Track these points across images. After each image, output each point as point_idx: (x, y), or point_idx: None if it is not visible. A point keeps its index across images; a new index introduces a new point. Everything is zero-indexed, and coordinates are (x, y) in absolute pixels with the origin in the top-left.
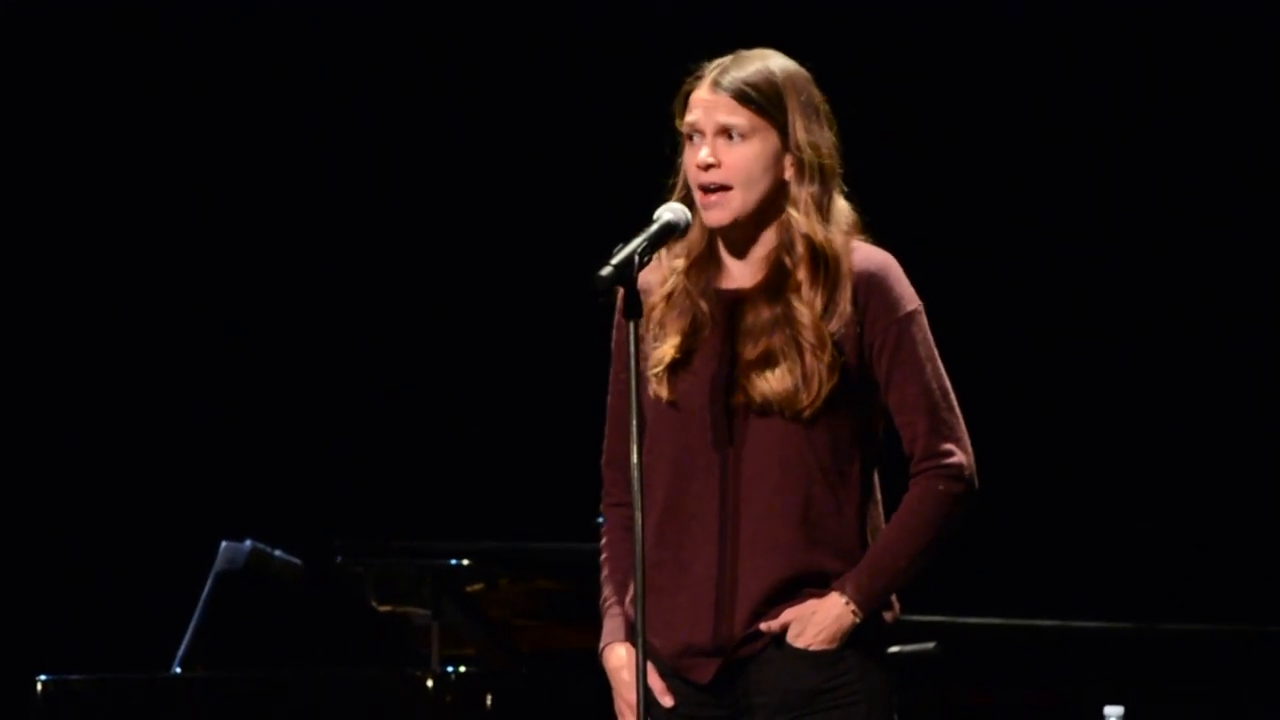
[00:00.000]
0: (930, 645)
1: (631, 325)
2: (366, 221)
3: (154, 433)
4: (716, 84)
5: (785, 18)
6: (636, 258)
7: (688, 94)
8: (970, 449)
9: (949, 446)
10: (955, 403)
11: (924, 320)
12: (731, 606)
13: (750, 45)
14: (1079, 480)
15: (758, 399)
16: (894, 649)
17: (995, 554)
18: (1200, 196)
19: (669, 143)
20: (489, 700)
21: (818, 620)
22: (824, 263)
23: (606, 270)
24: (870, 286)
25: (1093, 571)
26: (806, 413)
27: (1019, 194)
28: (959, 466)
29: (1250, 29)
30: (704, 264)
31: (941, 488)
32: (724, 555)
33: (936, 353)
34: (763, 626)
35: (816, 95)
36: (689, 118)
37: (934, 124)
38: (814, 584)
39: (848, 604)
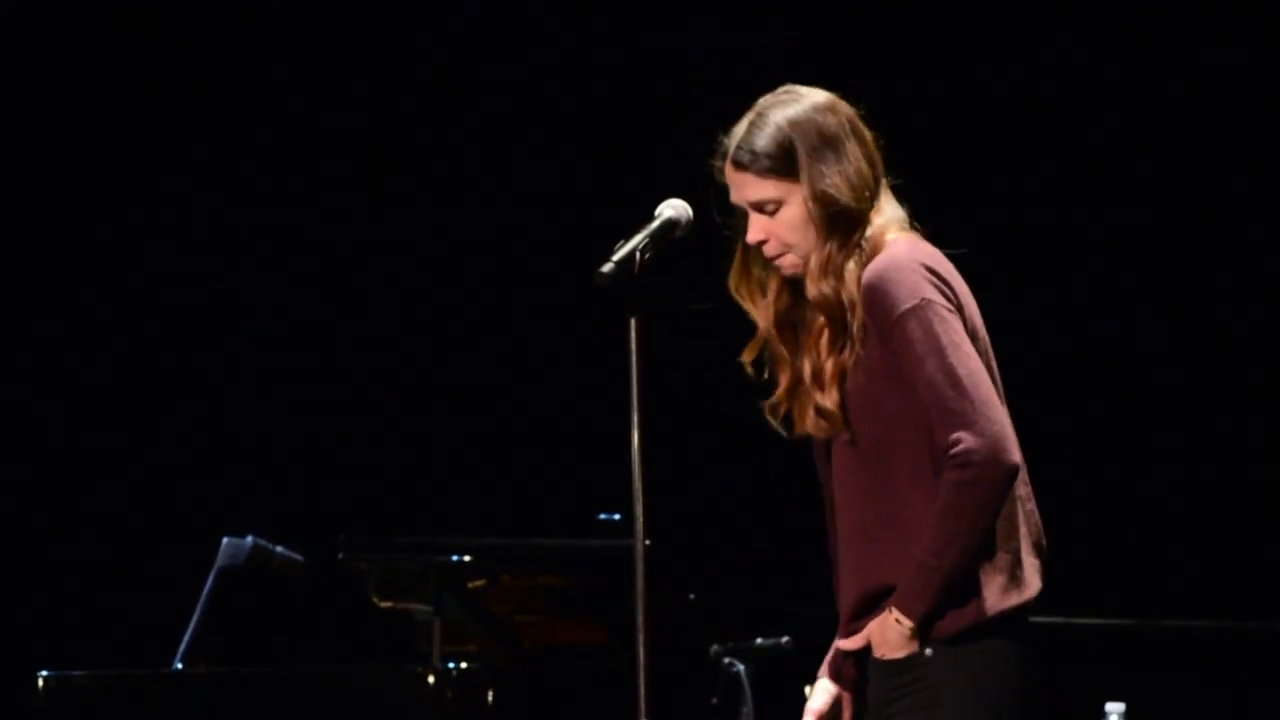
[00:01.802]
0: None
1: (633, 323)
2: (370, 219)
3: (156, 429)
4: (737, 163)
5: (782, 19)
6: (637, 254)
7: (720, 171)
8: (988, 429)
9: (956, 435)
10: (969, 387)
11: (925, 314)
12: (845, 623)
13: (750, 43)
14: (1080, 477)
15: (805, 429)
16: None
17: None
18: (1200, 196)
19: (675, 144)
20: (490, 696)
21: (882, 634)
22: (832, 304)
23: (608, 267)
24: (870, 300)
25: (1094, 568)
26: (845, 438)
27: (1016, 191)
28: (966, 452)
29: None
30: (796, 292)
31: (952, 477)
32: (839, 576)
33: (946, 342)
34: (839, 644)
35: (830, 127)
36: (731, 196)
37: (933, 123)
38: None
39: (893, 614)
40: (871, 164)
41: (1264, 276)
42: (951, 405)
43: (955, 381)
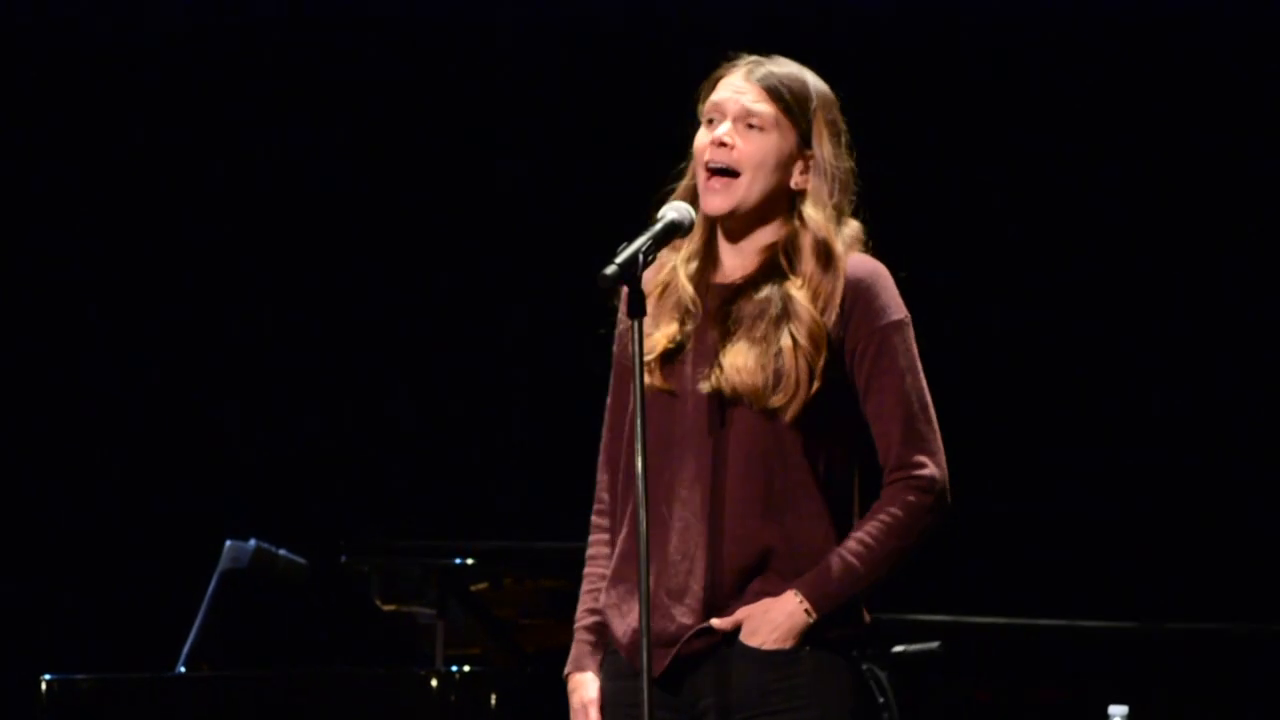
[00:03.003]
0: (934, 645)
1: (635, 324)
2: (371, 220)
3: (159, 432)
4: (751, 73)
5: (787, 21)
6: (640, 257)
7: (718, 78)
8: (944, 465)
9: (921, 458)
10: (933, 417)
11: (909, 332)
12: (685, 598)
13: (751, 45)
14: (1083, 479)
15: (726, 389)
16: (899, 648)
17: (999, 553)
18: (1197, 197)
19: (674, 141)
20: (493, 700)
21: (771, 619)
22: (831, 264)
23: (610, 269)
24: (857, 293)
25: (1097, 571)
26: (786, 415)
27: (1005, 198)
28: (930, 479)
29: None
30: (701, 256)
31: (911, 498)
32: (685, 545)
33: (919, 366)
34: (714, 624)
35: (840, 120)
36: (714, 97)
37: (925, 130)
38: (769, 579)
39: (801, 603)
40: (853, 174)
41: (1264, 278)
42: (920, 427)
43: (925, 406)
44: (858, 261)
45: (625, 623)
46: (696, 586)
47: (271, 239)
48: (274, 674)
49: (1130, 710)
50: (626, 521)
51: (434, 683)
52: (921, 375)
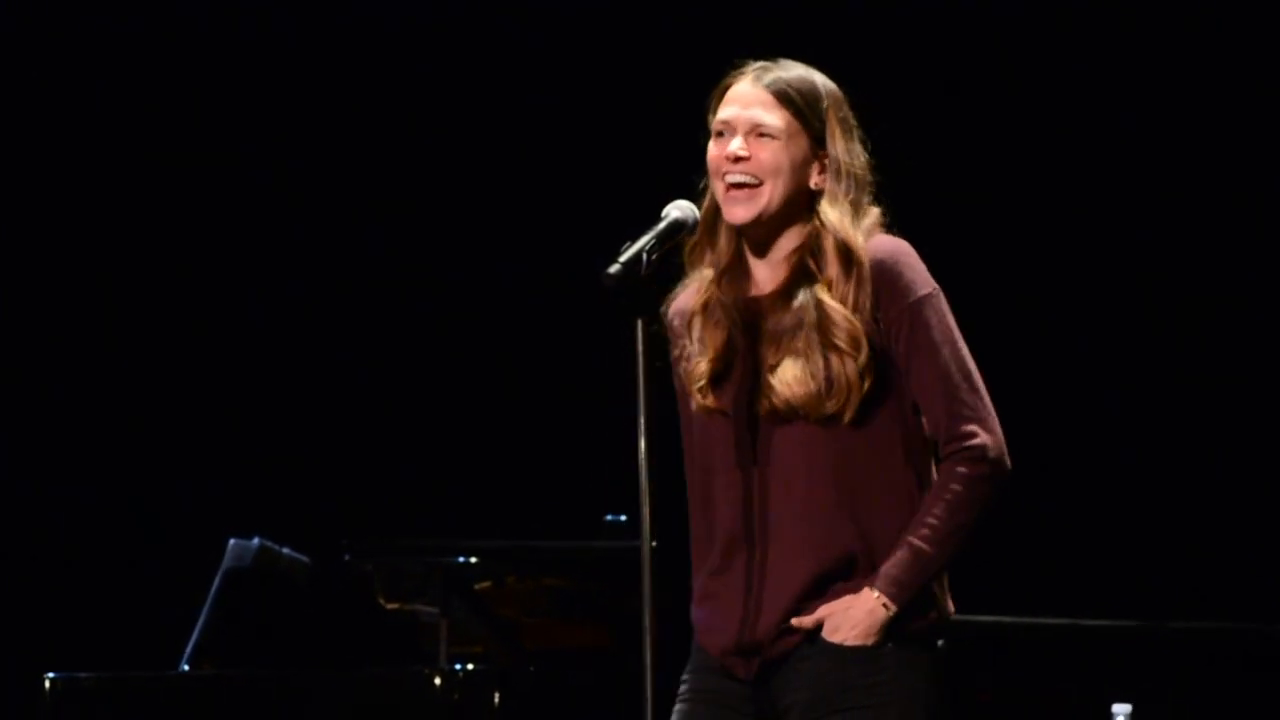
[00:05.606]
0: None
1: (639, 324)
2: (374, 220)
3: (162, 430)
4: (759, 79)
5: (788, 23)
6: (644, 256)
7: (726, 88)
8: (997, 429)
9: (970, 428)
10: (979, 384)
11: (940, 303)
12: (766, 607)
13: (751, 45)
14: (1084, 478)
15: (780, 405)
16: None
17: (1001, 552)
18: (1198, 197)
19: (681, 140)
20: (497, 698)
21: (852, 616)
22: (853, 263)
23: (614, 268)
24: (881, 275)
25: (1099, 569)
26: (844, 418)
27: (1028, 192)
28: (981, 447)
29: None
30: (733, 273)
31: (963, 469)
32: (761, 557)
33: (957, 334)
34: (794, 622)
35: (851, 116)
36: (724, 113)
37: (937, 124)
38: (848, 580)
39: (878, 597)
40: (869, 167)
41: (1262, 280)
42: (965, 397)
43: (968, 374)
44: (878, 243)
45: (712, 641)
46: (777, 597)
47: (274, 237)
48: (277, 673)
49: (1133, 709)
50: (704, 539)
51: (437, 681)
52: (961, 344)
